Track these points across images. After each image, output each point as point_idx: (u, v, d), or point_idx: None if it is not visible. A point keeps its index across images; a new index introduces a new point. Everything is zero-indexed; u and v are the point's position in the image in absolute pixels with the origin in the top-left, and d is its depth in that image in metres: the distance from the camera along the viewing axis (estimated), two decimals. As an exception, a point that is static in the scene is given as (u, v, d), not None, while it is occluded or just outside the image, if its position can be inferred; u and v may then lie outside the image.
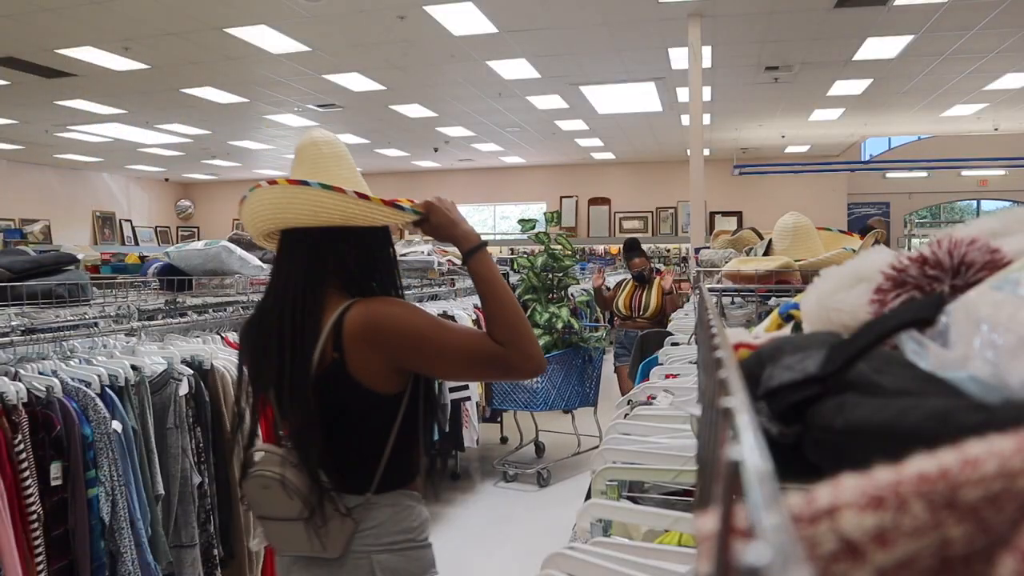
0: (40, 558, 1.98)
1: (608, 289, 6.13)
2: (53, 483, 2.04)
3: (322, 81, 9.31)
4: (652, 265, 5.91)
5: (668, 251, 16.52)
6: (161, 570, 2.29)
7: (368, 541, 1.40)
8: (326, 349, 1.37)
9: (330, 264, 1.45)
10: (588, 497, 1.50)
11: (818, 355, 0.50)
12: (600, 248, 16.62)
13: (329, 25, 7.30)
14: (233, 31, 7.40)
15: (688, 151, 8.49)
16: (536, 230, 5.23)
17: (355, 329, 1.36)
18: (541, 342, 5.03)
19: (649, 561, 1.09)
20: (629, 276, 5.85)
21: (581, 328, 5.08)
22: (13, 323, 2.47)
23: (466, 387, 4.42)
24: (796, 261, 2.23)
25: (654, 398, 1.97)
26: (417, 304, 3.46)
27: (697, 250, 5.71)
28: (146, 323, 2.87)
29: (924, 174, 15.26)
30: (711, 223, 12.59)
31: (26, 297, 2.86)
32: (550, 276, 5.28)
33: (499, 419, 5.56)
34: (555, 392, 4.85)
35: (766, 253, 2.77)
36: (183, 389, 2.46)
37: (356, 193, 1.39)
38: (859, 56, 8.50)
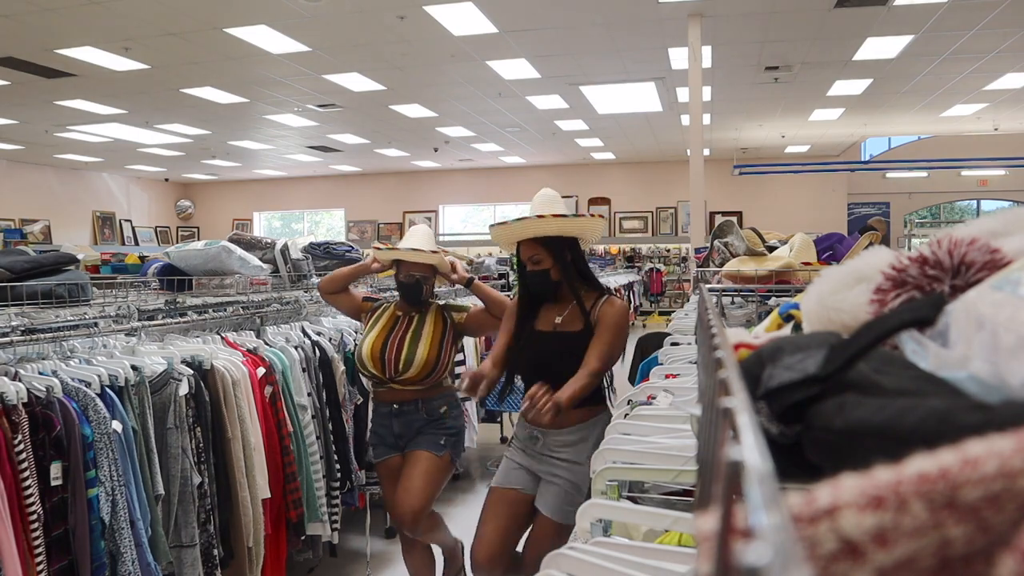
0: (40, 558, 1.98)
1: (373, 290, 3.89)
2: (53, 483, 2.04)
3: (322, 81, 9.31)
4: (436, 272, 2.91)
5: (668, 251, 16.53)
6: (161, 570, 2.29)
7: None
8: None
9: None
10: (588, 497, 1.50)
11: (818, 355, 0.49)
12: (600, 248, 16.61)
13: (329, 25, 7.30)
14: (233, 31, 7.40)
15: (688, 151, 8.50)
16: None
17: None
18: None
19: (649, 561, 1.09)
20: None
21: None
22: (13, 323, 2.47)
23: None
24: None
25: (654, 398, 1.97)
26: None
27: (697, 250, 5.70)
28: (146, 323, 2.87)
29: (924, 174, 15.27)
30: (711, 223, 12.59)
31: (26, 297, 2.86)
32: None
33: (498, 419, 5.55)
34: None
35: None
36: (183, 389, 2.46)
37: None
38: (859, 56, 8.51)
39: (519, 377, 2.60)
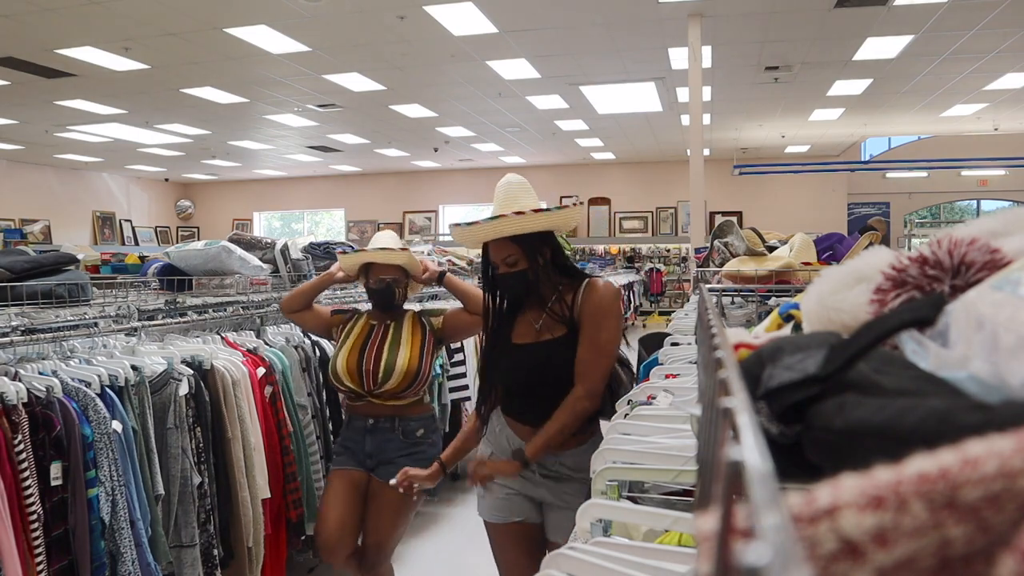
0: (40, 558, 1.98)
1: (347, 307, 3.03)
2: (53, 483, 2.04)
3: (322, 81, 9.31)
4: (407, 275, 2.73)
5: (668, 251, 16.53)
6: (161, 570, 2.29)
7: None
8: None
9: None
10: (588, 497, 1.50)
11: (818, 355, 0.49)
12: (600, 248, 16.61)
13: (329, 25, 7.30)
14: (233, 31, 7.40)
15: (688, 151, 8.50)
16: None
17: None
18: None
19: (649, 561, 1.09)
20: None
21: None
22: (13, 323, 2.47)
23: (466, 387, 4.41)
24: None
25: (654, 398, 1.96)
26: (417, 304, 3.23)
27: (697, 250, 5.70)
28: (146, 323, 2.87)
29: (924, 174, 15.27)
30: (711, 223, 12.59)
31: (26, 297, 2.86)
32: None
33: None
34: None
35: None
36: (183, 389, 2.46)
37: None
38: (859, 56, 8.51)
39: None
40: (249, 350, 2.93)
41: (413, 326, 2.70)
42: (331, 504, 2.61)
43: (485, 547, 2.40)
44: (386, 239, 2.75)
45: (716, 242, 3.20)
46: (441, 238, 16.56)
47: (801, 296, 0.92)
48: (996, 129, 13.13)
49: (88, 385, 2.21)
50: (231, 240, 3.96)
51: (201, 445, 2.51)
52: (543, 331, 2.09)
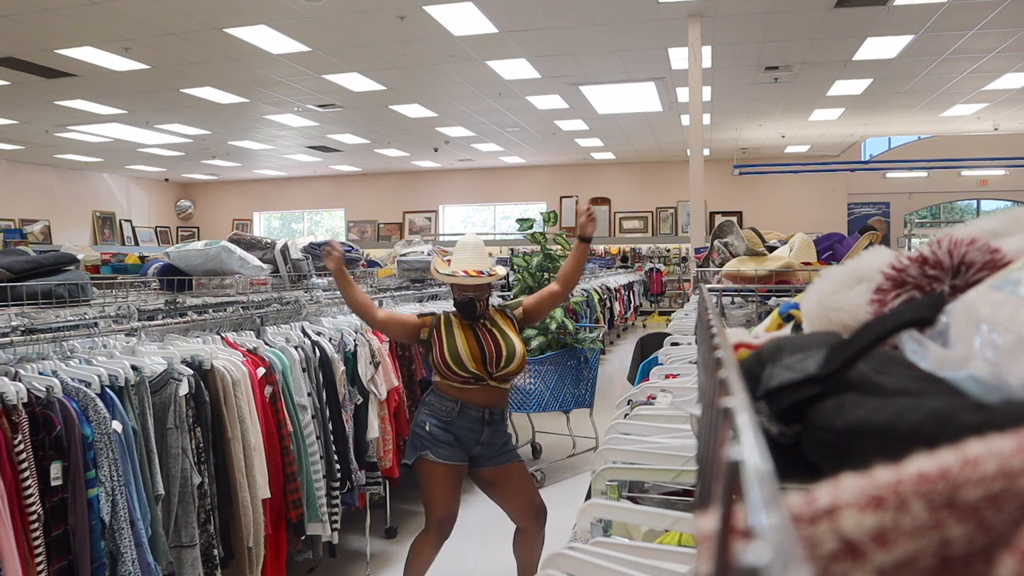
0: (40, 558, 1.98)
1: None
2: (53, 483, 2.04)
3: (322, 81, 9.31)
4: (492, 291, 3.32)
5: (668, 251, 16.53)
6: (161, 570, 2.29)
7: None
8: None
9: None
10: (588, 497, 1.50)
11: (818, 355, 0.49)
12: (600, 248, 16.61)
13: (329, 25, 7.31)
14: (233, 31, 7.40)
15: (688, 151, 8.50)
16: (533, 230, 5.22)
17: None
18: (535, 343, 4.99)
19: (649, 561, 1.09)
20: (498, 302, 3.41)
21: (575, 329, 5.06)
22: (13, 323, 2.47)
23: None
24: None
25: (654, 398, 1.97)
26: (417, 305, 3.24)
27: (697, 250, 5.70)
28: (146, 323, 2.86)
29: (924, 174, 15.28)
30: (711, 223, 12.59)
31: (26, 297, 2.86)
32: (546, 276, 5.27)
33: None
34: (548, 393, 4.83)
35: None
36: (183, 389, 2.46)
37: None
38: (859, 56, 8.51)
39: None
40: (249, 350, 2.93)
41: (504, 319, 2.97)
42: (451, 494, 2.86)
43: (485, 546, 2.40)
44: (475, 257, 2.90)
45: (716, 242, 3.21)
46: (441, 238, 16.56)
47: (801, 296, 0.92)
48: (996, 129, 13.13)
49: (88, 385, 2.21)
50: (231, 240, 3.96)
51: (201, 445, 2.51)
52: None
